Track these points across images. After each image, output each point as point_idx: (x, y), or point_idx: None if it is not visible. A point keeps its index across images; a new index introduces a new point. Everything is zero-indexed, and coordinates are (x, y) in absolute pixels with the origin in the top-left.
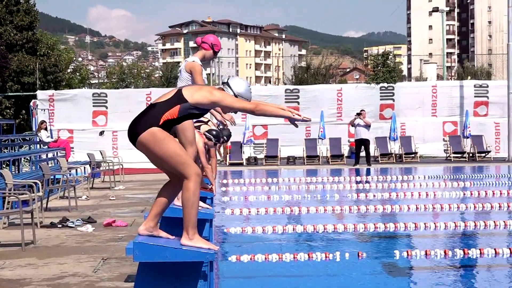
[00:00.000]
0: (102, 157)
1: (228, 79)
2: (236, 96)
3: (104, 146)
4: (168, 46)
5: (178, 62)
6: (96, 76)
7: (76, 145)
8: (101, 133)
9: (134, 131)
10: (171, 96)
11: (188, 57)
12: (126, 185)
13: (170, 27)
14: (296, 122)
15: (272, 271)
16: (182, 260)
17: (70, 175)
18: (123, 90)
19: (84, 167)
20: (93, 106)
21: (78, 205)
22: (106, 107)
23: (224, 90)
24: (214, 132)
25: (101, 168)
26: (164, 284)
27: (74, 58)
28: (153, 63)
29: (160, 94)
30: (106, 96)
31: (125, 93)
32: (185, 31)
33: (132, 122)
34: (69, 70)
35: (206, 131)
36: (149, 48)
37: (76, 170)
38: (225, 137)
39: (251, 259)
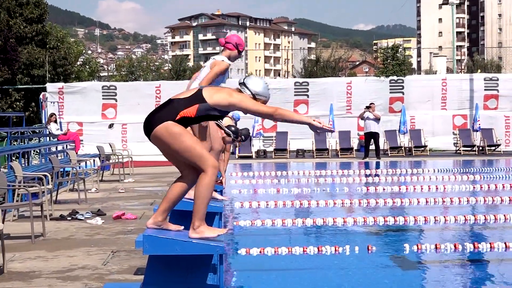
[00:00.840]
0: (112, 149)
1: (244, 79)
2: (254, 95)
3: (113, 139)
4: (177, 39)
5: (188, 55)
6: (106, 69)
7: (86, 138)
8: (111, 125)
9: (150, 124)
10: (191, 95)
11: (217, 56)
12: (135, 177)
13: (179, 20)
14: (318, 130)
15: (282, 264)
16: (191, 253)
17: (79, 168)
18: (133, 83)
19: (94, 160)
20: (103, 98)
21: (87, 198)
22: (116, 100)
23: (242, 91)
24: (233, 128)
25: (110, 161)
26: (174, 277)
27: (84, 51)
28: (162, 56)
29: (169, 87)
30: (116, 89)
31: (134, 86)
32: (194, 24)
33: (149, 115)
34: (78, 63)
35: (225, 126)
36: (158, 41)
37: (86, 162)
38: (243, 136)
39: (260, 252)
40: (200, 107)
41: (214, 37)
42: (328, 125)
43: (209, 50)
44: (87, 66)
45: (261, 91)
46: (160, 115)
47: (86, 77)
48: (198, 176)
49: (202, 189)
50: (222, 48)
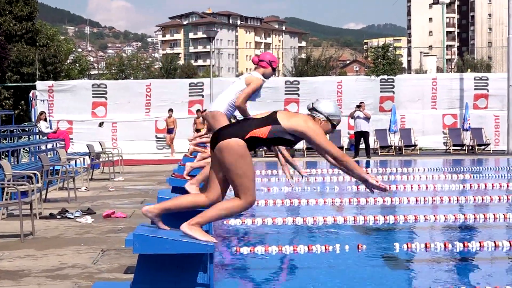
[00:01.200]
0: (102, 148)
1: (313, 104)
2: (327, 117)
3: (103, 137)
4: (168, 37)
5: (178, 54)
6: (96, 67)
7: (76, 136)
8: (101, 124)
9: (218, 136)
10: (265, 116)
11: (251, 72)
12: (125, 176)
13: (170, 18)
14: (373, 188)
15: (272, 263)
16: (181, 252)
17: (69, 166)
18: (123, 81)
19: (84, 158)
20: (93, 97)
21: (77, 196)
22: (106, 98)
23: (315, 118)
24: None
25: (100, 159)
26: (164, 275)
27: (74, 49)
28: (153, 54)
29: (160, 85)
30: (106, 87)
31: (124, 84)
32: (185, 22)
33: (220, 129)
34: (68, 61)
35: None
36: (149, 39)
37: (76, 161)
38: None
39: (250, 251)
40: (273, 129)
41: (204, 35)
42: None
43: (200, 48)
44: (77, 64)
45: (334, 112)
46: (230, 130)
47: (76, 75)
48: (219, 202)
49: (228, 207)
50: (255, 66)
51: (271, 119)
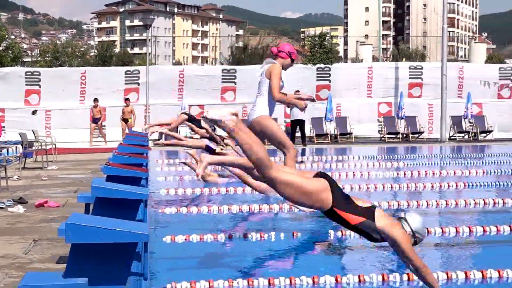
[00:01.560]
0: (35, 136)
1: (405, 214)
2: (413, 232)
3: (36, 126)
4: (103, 24)
5: (114, 41)
6: (29, 55)
7: (8, 124)
8: (34, 112)
9: (323, 175)
10: (366, 207)
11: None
12: (59, 165)
13: (106, 5)
14: None
15: (207, 251)
16: (115, 241)
17: (1, 155)
18: (57, 69)
19: (16, 147)
20: (26, 84)
21: (9, 185)
22: (39, 86)
23: (402, 225)
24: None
25: (33, 148)
26: (97, 265)
27: (6, 36)
28: (88, 42)
29: (95, 73)
30: (39, 75)
31: (59, 72)
32: (121, 10)
33: (332, 180)
34: (0, 48)
35: None
36: (84, 27)
37: (8, 149)
38: None
39: (186, 239)
40: (366, 223)
41: (141, 23)
42: None
43: (136, 36)
44: (10, 52)
45: (420, 230)
46: (337, 193)
47: (8, 62)
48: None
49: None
50: (274, 56)
51: (369, 213)
